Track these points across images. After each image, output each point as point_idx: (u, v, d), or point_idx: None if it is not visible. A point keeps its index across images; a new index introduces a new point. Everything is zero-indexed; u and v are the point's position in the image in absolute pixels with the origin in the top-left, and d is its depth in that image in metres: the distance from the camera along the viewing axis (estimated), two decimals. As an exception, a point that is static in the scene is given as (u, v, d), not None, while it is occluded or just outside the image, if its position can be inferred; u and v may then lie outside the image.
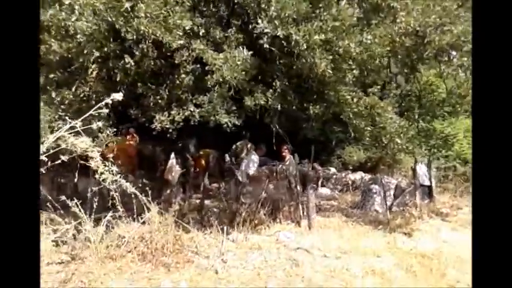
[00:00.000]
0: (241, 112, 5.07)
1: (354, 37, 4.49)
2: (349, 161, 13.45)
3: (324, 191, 11.25)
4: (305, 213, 6.59)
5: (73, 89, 4.80)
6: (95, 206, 4.61)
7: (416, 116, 7.09)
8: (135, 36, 4.07)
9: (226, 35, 5.00)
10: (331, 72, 4.51)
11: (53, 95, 4.46)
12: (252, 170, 7.40)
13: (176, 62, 4.64)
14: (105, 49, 4.57)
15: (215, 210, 6.69)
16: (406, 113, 7.17)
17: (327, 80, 5.90)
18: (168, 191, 8.11)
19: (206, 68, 4.40)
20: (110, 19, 3.68)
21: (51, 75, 4.63)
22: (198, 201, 8.37)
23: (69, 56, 4.17)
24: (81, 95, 4.77)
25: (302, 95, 7.18)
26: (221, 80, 4.27)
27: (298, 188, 6.49)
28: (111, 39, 4.34)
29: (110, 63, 4.63)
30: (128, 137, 9.41)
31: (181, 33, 4.40)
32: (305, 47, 4.33)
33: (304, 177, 6.69)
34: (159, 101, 5.02)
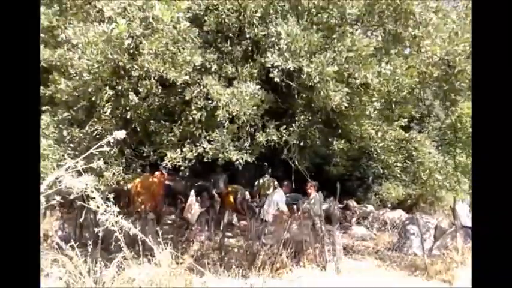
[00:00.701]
0: (255, 149, 4.84)
1: (371, 68, 4.19)
2: (387, 198, 12.69)
3: (359, 230, 10.57)
4: (332, 257, 6.10)
5: (86, 128, 4.80)
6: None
7: (454, 150, 6.51)
8: (142, 73, 4.02)
9: (240, 70, 4.88)
10: (346, 105, 4.22)
11: (65, 133, 4.46)
12: (281, 207, 7.04)
13: (186, 98, 4.54)
14: (119, 87, 4.58)
15: (235, 250, 6.35)
16: (441, 147, 6.64)
17: (351, 113, 5.59)
18: (189, 230, 7.90)
19: (213, 104, 4.26)
20: (111, 56, 3.66)
21: (65, 114, 4.67)
22: (230, 240, 8.08)
23: (77, 94, 4.18)
24: (94, 134, 4.75)
25: (326, 130, 6.88)
26: (227, 115, 4.09)
27: (323, 228, 6.05)
28: (119, 77, 4.33)
29: (121, 101, 4.61)
30: (157, 173, 9.41)
31: (190, 69, 4.32)
32: (317, 80, 4.09)
33: (330, 217, 6.24)
34: (172, 138, 4.91)
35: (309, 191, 6.67)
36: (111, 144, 3.74)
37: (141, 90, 4.10)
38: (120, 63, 3.83)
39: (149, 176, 7.64)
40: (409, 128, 15.60)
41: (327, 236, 6.01)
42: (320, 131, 6.64)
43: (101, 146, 3.65)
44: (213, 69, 4.77)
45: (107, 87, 4.51)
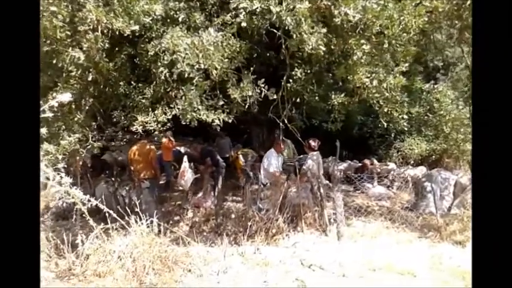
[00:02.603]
0: (233, 107, 4.36)
1: (352, 2, 3.53)
2: (409, 154, 11.93)
3: (378, 189, 9.99)
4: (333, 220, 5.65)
5: (54, 94, 4.46)
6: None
7: (469, 96, 5.76)
8: (88, 26, 3.57)
9: (212, 18, 4.33)
10: (324, 48, 3.60)
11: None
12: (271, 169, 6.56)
13: (150, 53, 4.08)
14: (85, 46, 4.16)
15: (232, 216, 6.02)
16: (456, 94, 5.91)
17: (349, 61, 4.96)
18: (197, 196, 7.65)
19: (174, 56, 3.75)
20: (42, 8, 3.20)
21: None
22: (237, 204, 7.81)
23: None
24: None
25: (326, 82, 6.26)
26: (187, 69, 3.60)
27: (322, 190, 5.56)
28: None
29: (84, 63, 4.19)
30: (165, 140, 9.12)
31: (148, 20, 3.83)
32: (289, 21, 3.49)
33: (331, 178, 5.73)
34: (143, 100, 4.50)
35: (306, 150, 6.12)
36: (55, 108, 3.41)
37: (86, 45, 3.66)
38: (60, 16, 3.38)
39: (146, 144, 7.32)
40: (435, 78, 14.30)
41: (326, 199, 5.54)
42: (319, 84, 6.04)
43: (44, 112, 3.31)
44: (180, 20, 4.25)
45: (70, 48, 4.11)
